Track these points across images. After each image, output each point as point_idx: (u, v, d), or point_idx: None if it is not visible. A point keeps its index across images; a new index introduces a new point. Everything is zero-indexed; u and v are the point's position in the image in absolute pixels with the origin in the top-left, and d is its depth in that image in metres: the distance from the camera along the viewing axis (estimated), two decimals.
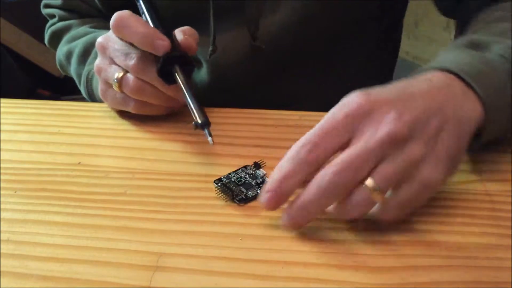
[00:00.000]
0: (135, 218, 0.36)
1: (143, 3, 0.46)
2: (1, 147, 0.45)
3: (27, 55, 1.66)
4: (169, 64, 0.42)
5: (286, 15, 0.54)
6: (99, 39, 0.47)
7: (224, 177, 0.39)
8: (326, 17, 0.55)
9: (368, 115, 0.31)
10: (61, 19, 0.64)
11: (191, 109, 0.40)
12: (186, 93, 0.41)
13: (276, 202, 0.32)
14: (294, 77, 0.60)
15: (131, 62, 0.43)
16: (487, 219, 0.35)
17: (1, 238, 0.34)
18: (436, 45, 2.48)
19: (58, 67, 0.65)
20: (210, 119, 0.48)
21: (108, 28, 0.60)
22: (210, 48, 0.55)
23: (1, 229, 0.35)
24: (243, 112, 0.50)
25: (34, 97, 1.67)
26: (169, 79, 0.43)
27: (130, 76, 0.44)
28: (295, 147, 0.32)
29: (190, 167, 0.41)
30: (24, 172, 0.41)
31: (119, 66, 0.45)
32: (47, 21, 0.67)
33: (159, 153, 0.44)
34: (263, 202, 0.32)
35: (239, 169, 0.40)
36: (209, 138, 0.39)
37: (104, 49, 0.46)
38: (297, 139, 0.33)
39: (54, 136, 0.47)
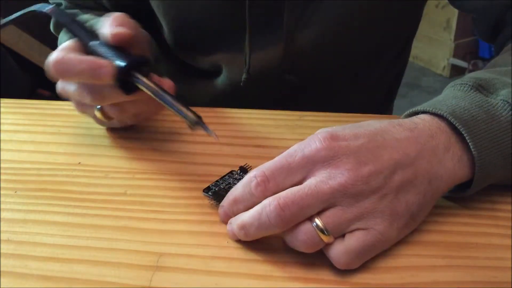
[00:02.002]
0: (135, 218, 0.36)
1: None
2: (1, 147, 0.45)
3: (27, 55, 1.66)
4: (126, 77, 0.38)
5: (315, 35, 0.55)
6: (57, 84, 0.42)
7: (212, 185, 0.38)
8: (352, 39, 0.56)
9: (326, 161, 0.31)
10: (66, 8, 0.64)
11: (179, 111, 0.36)
12: (164, 97, 0.37)
13: (228, 218, 0.34)
14: (314, 93, 0.61)
15: (89, 99, 0.40)
16: (487, 219, 0.35)
17: (1, 238, 0.34)
18: (436, 45, 2.48)
19: None
20: (210, 119, 0.48)
21: None
22: (244, 76, 0.55)
23: (1, 229, 0.35)
24: (243, 112, 0.50)
25: (34, 97, 1.67)
26: (132, 87, 0.39)
27: (104, 107, 0.42)
28: (249, 175, 0.32)
29: (190, 167, 0.41)
30: (24, 172, 0.41)
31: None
32: (48, 22, 0.67)
33: (159, 153, 0.44)
34: (219, 214, 0.35)
35: (225, 175, 0.39)
36: (213, 133, 0.36)
37: (67, 95, 0.42)
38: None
39: (54, 136, 0.47)
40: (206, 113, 0.49)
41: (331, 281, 0.30)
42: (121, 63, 0.38)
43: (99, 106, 0.42)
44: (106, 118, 0.43)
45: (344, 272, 0.31)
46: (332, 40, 0.55)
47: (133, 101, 0.41)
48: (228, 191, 0.36)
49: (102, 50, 0.39)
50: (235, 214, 0.33)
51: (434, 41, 2.48)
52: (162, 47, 0.64)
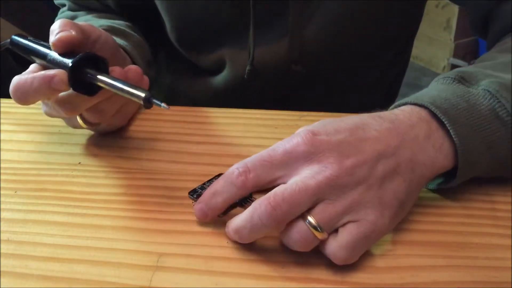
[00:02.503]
0: (135, 218, 0.36)
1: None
2: (1, 147, 0.45)
3: (27, 55, 1.66)
4: (81, 79, 0.38)
5: (318, 31, 0.55)
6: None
7: (198, 187, 0.37)
8: (353, 36, 0.56)
9: (308, 156, 0.31)
10: (70, 8, 0.64)
11: (128, 92, 0.35)
12: (112, 84, 0.36)
13: (204, 214, 0.34)
14: (315, 91, 0.61)
15: (61, 113, 0.39)
16: (487, 219, 0.35)
17: (1, 238, 0.34)
18: (436, 45, 2.48)
19: None
20: (210, 119, 0.48)
21: (111, 19, 0.60)
22: (248, 68, 0.55)
23: (1, 229, 0.35)
24: (243, 112, 0.50)
25: None
26: (94, 87, 0.39)
27: (83, 115, 0.41)
28: (231, 168, 0.33)
29: (190, 167, 0.41)
30: (24, 172, 0.41)
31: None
32: (47, 21, 0.67)
33: (158, 153, 0.44)
34: (195, 212, 0.34)
35: (213, 178, 0.38)
36: (163, 104, 0.34)
37: (49, 115, 0.42)
38: None
39: (54, 136, 0.47)
40: (206, 113, 0.49)
41: (330, 281, 0.30)
42: (67, 65, 0.38)
43: (80, 121, 0.42)
44: (91, 125, 0.43)
45: (344, 272, 0.31)
46: (334, 37, 0.55)
47: (107, 100, 0.41)
48: None
49: (57, 61, 0.39)
50: (211, 209, 0.33)
51: (434, 41, 2.48)
52: (165, 45, 0.64)
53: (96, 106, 0.40)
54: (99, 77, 0.37)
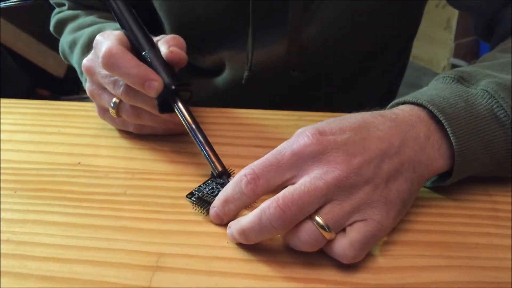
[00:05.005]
0: (134, 218, 0.35)
1: (129, 18, 0.43)
2: (1, 147, 0.45)
3: (26, 55, 1.66)
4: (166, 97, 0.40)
5: (318, 32, 0.55)
6: (84, 61, 0.43)
7: (195, 190, 0.37)
8: (354, 36, 0.56)
9: (316, 156, 0.31)
10: (69, 8, 0.64)
11: (207, 156, 0.38)
12: (197, 136, 0.38)
13: (220, 219, 0.34)
14: (315, 91, 0.61)
15: (119, 90, 0.41)
16: (487, 219, 0.35)
17: (1, 238, 0.34)
18: (436, 45, 2.48)
19: (61, 55, 0.64)
20: (210, 119, 0.48)
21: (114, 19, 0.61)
22: (246, 74, 0.55)
23: (1, 229, 0.35)
24: (243, 112, 0.50)
25: (33, 97, 1.67)
26: (168, 107, 0.40)
27: (125, 103, 0.42)
28: (239, 174, 0.32)
29: (190, 167, 0.41)
30: (24, 172, 0.41)
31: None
32: (47, 21, 0.67)
33: (158, 153, 0.43)
34: (210, 216, 0.34)
35: (208, 180, 0.39)
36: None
37: (91, 74, 0.43)
38: None
39: (53, 136, 0.46)
40: (206, 113, 0.49)
41: (331, 282, 0.30)
42: (170, 85, 0.39)
43: (114, 102, 0.42)
44: (117, 116, 0.44)
45: (345, 272, 0.30)
46: (335, 37, 0.55)
47: (152, 115, 0.42)
48: (212, 195, 0.36)
49: (155, 62, 0.40)
50: (226, 215, 0.33)
51: (435, 41, 2.48)
52: None
53: (141, 109, 0.42)
54: (188, 118, 0.39)
